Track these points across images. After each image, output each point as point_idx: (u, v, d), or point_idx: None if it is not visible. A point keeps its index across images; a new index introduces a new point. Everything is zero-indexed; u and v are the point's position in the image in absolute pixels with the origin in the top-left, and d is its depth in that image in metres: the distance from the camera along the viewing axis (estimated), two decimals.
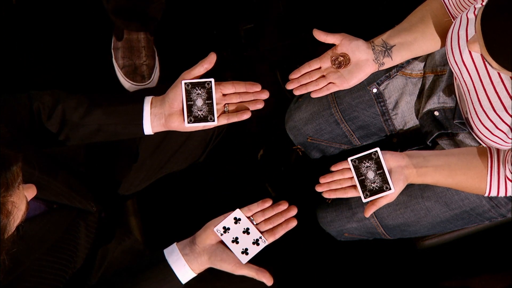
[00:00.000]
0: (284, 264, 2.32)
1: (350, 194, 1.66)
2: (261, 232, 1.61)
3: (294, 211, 1.62)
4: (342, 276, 2.40)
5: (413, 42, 1.71)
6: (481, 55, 1.51)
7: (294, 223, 1.62)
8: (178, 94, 1.66)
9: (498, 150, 1.65)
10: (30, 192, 1.31)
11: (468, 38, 1.57)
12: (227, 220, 1.60)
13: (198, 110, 1.67)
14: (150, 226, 2.10)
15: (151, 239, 2.07)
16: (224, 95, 1.69)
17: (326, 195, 1.68)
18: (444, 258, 2.31)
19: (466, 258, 2.32)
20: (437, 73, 1.91)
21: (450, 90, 1.85)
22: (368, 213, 1.65)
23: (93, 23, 2.55)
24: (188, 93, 1.67)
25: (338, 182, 1.68)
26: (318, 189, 1.68)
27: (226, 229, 1.60)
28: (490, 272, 2.30)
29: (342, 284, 2.39)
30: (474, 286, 2.30)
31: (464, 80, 1.62)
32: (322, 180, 1.68)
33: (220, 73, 1.75)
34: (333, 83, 1.71)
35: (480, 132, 1.62)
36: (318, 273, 2.40)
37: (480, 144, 1.77)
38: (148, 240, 2.04)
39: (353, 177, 1.66)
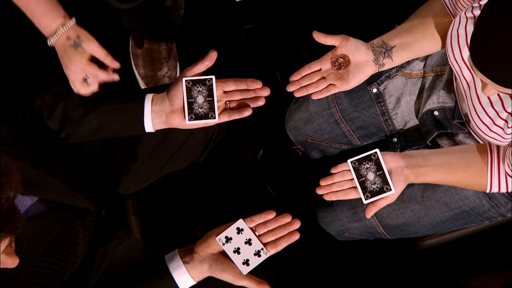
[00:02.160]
0: (284, 264, 2.32)
1: (351, 196, 1.66)
2: (263, 244, 1.61)
3: (297, 224, 1.62)
4: (342, 276, 2.40)
5: (413, 43, 1.71)
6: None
7: (296, 236, 1.62)
8: (178, 91, 1.66)
9: (497, 147, 1.66)
10: (8, 261, 1.30)
11: (468, 36, 1.58)
12: (230, 230, 1.60)
13: (199, 108, 1.67)
14: (150, 225, 2.10)
15: (152, 238, 2.07)
16: (225, 92, 1.69)
17: (327, 198, 1.68)
18: (444, 258, 2.31)
19: (466, 258, 2.32)
20: (437, 73, 1.91)
21: (449, 90, 1.85)
22: (369, 214, 1.65)
23: (93, 22, 2.54)
24: (188, 90, 1.67)
25: (339, 184, 1.68)
26: (319, 191, 1.68)
27: (228, 239, 1.60)
28: (489, 271, 2.30)
29: (341, 284, 2.39)
30: (474, 286, 2.30)
31: (464, 77, 1.63)
32: (322, 183, 1.68)
33: (220, 72, 1.75)
34: (333, 84, 1.71)
35: (479, 128, 1.62)
36: (317, 273, 2.40)
37: (480, 142, 1.78)
38: (149, 240, 2.04)
39: (353, 178, 1.66)
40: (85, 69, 1.83)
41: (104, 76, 1.84)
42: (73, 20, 1.80)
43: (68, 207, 1.63)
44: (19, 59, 2.49)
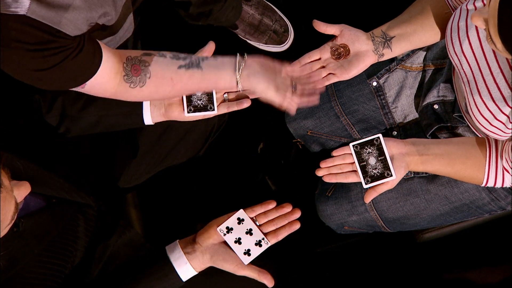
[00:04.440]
0: (284, 257, 2.32)
1: (351, 179, 1.67)
2: (264, 234, 1.61)
3: (297, 214, 1.63)
4: (342, 269, 2.40)
5: (412, 33, 1.72)
6: (480, 35, 1.51)
7: (297, 226, 1.62)
8: None
9: (496, 141, 1.66)
10: (22, 190, 1.31)
11: (468, 29, 1.57)
12: (231, 220, 1.61)
13: (198, 100, 1.67)
14: (150, 219, 2.10)
15: (152, 232, 2.07)
16: None
17: (326, 179, 1.68)
18: (443, 251, 2.31)
19: (466, 251, 2.32)
20: (437, 66, 1.91)
21: (449, 83, 1.86)
22: (368, 199, 1.65)
23: None
24: None
25: (339, 167, 1.68)
26: (318, 173, 1.69)
27: (229, 229, 1.60)
28: (489, 265, 2.30)
29: (341, 277, 2.39)
30: (473, 279, 2.30)
31: (464, 71, 1.63)
32: (322, 165, 1.69)
33: None
34: (333, 73, 1.72)
35: (479, 122, 1.62)
36: (317, 266, 2.40)
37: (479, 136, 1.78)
38: (149, 233, 2.04)
39: (354, 162, 1.67)
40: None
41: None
42: (244, 57, 1.60)
43: (69, 202, 1.63)
44: None
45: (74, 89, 1.49)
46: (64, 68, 1.39)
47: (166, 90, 1.55)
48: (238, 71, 1.57)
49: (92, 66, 1.45)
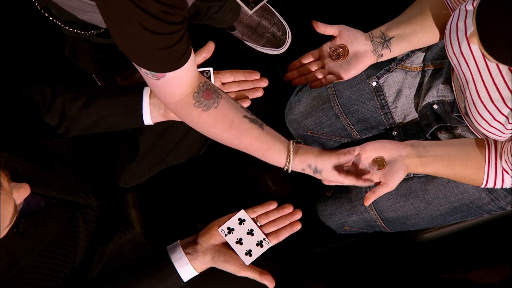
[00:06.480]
0: (284, 257, 2.32)
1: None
2: (265, 234, 1.61)
3: (298, 215, 1.63)
4: (342, 269, 2.40)
5: (411, 34, 1.72)
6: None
7: (298, 227, 1.62)
8: None
9: (495, 142, 1.66)
10: (22, 192, 1.30)
11: (467, 30, 1.58)
12: (232, 221, 1.61)
13: None
14: (150, 219, 2.10)
15: (152, 232, 2.07)
16: (223, 84, 1.69)
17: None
18: (443, 251, 2.31)
19: (465, 251, 2.32)
20: (436, 66, 1.91)
21: (449, 83, 1.86)
22: (368, 202, 1.65)
23: None
24: None
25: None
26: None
27: (230, 230, 1.60)
28: (489, 265, 2.30)
29: (341, 277, 2.39)
30: (473, 279, 2.30)
31: (462, 72, 1.63)
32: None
33: (218, 65, 1.75)
34: (332, 74, 1.72)
35: (478, 123, 1.62)
36: (317, 266, 2.40)
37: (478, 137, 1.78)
38: (149, 233, 2.03)
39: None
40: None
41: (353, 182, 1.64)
42: (292, 144, 1.61)
43: (69, 203, 1.62)
44: (18, 53, 2.49)
45: (148, 77, 1.41)
46: (168, 41, 1.31)
47: (222, 128, 1.52)
48: (290, 152, 1.59)
49: (183, 57, 1.38)
